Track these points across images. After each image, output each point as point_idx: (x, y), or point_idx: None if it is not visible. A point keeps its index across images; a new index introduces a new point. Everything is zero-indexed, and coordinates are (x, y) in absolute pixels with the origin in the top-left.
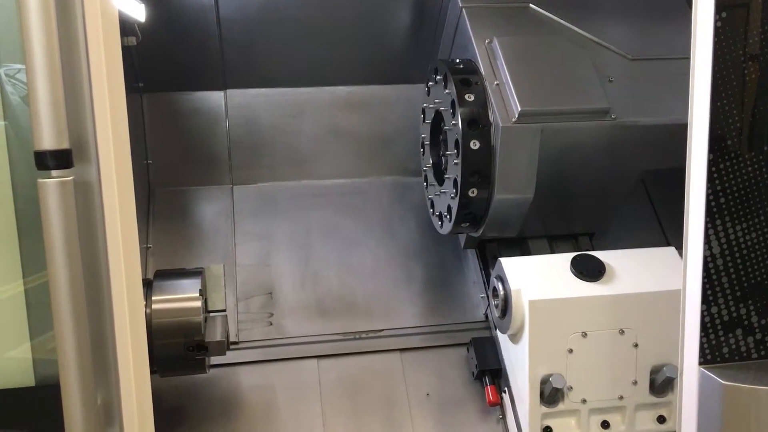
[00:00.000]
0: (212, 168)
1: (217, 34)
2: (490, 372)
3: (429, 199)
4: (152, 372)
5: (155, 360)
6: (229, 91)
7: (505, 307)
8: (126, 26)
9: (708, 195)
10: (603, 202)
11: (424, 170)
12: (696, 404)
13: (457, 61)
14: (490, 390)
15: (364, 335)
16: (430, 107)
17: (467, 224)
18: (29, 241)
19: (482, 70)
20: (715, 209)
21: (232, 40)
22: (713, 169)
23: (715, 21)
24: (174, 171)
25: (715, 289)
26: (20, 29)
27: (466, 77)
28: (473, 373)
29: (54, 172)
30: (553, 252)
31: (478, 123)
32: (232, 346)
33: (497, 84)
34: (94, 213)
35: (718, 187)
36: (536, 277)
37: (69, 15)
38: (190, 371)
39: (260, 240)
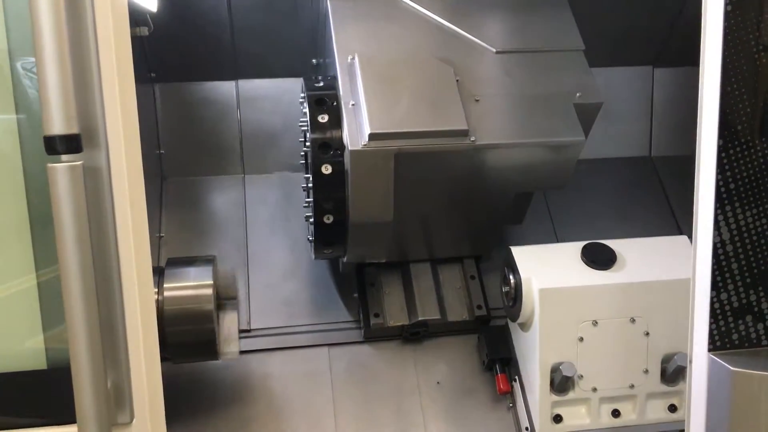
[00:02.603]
0: (224, 157)
1: (228, 23)
2: (500, 360)
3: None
4: (164, 359)
5: (167, 347)
6: (241, 81)
7: (515, 296)
8: (138, 16)
9: (717, 181)
10: (483, 225)
11: (304, 191)
12: (705, 391)
13: (319, 78)
14: (500, 378)
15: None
16: (301, 126)
17: (330, 251)
18: (42, 232)
19: (340, 89)
20: (724, 195)
21: (243, 30)
22: (723, 154)
23: (726, 4)
24: (186, 161)
25: (724, 275)
26: (30, 14)
27: (322, 97)
28: (484, 361)
29: (63, 157)
30: (437, 277)
31: (330, 147)
32: (244, 334)
33: (353, 104)
34: (103, 197)
35: (728, 173)
36: (546, 266)
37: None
38: (202, 358)
39: (272, 229)
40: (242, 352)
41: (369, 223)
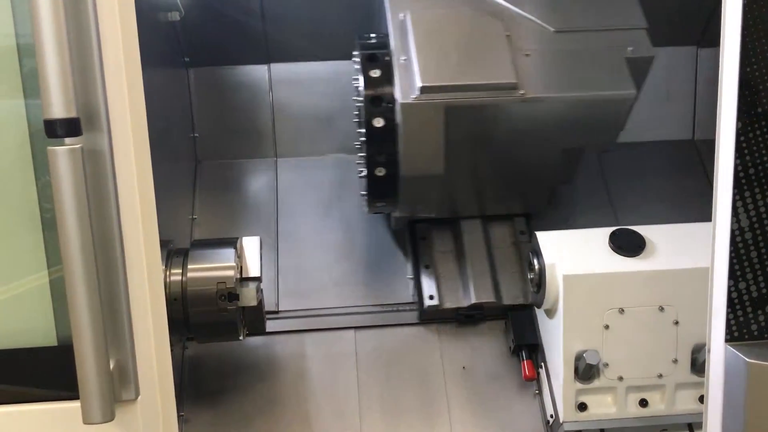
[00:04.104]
0: (257, 141)
1: (259, 7)
2: (527, 347)
3: (360, 178)
4: (189, 339)
5: (191, 327)
6: (273, 65)
7: (540, 282)
8: (169, 1)
9: (736, 165)
10: (532, 182)
11: (357, 148)
12: (722, 382)
13: (372, 36)
14: (526, 365)
15: (400, 308)
16: (353, 84)
17: (382, 204)
18: (52, 212)
19: (392, 45)
20: (743, 180)
21: (274, 13)
22: (742, 138)
23: None
24: (220, 144)
25: (743, 263)
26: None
27: (374, 53)
28: (510, 347)
29: (66, 140)
30: (486, 233)
31: (381, 100)
32: (271, 316)
33: (404, 59)
34: (105, 179)
35: (747, 158)
36: (572, 252)
37: None
38: (225, 338)
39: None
40: (269, 333)
41: (420, 176)
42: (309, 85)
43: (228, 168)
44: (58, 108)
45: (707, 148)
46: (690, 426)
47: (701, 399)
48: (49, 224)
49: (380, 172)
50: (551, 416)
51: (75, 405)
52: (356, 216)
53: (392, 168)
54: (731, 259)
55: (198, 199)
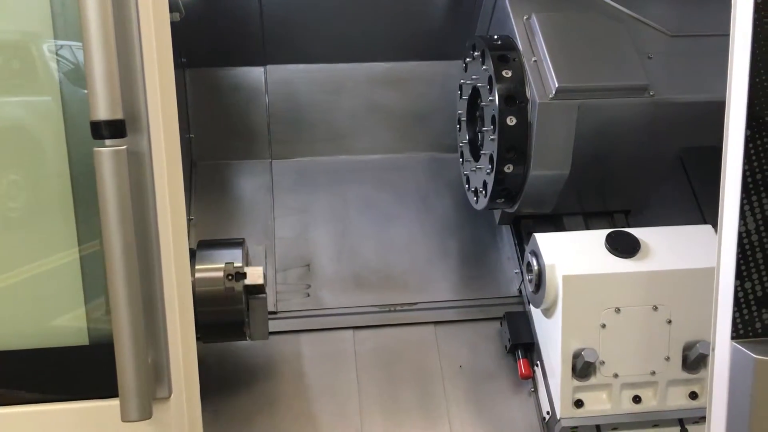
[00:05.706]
0: (252, 142)
1: (257, 9)
2: (522, 346)
3: (465, 175)
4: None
5: (198, 327)
6: (269, 67)
7: (539, 282)
8: (170, 1)
9: (744, 171)
10: (640, 179)
11: (460, 146)
12: (727, 378)
13: (495, 37)
14: (522, 363)
15: (399, 308)
16: (467, 83)
17: (502, 200)
18: (85, 210)
19: (520, 46)
20: (751, 185)
21: (272, 16)
22: (750, 145)
23: None
24: (215, 145)
25: (749, 264)
26: (78, 6)
27: (504, 53)
28: (506, 346)
29: (108, 141)
30: (588, 229)
31: (515, 99)
32: (270, 316)
33: (535, 60)
34: (145, 180)
35: (755, 164)
36: (570, 253)
37: None
38: (231, 338)
39: (299, 213)
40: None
41: (547, 174)
42: (306, 86)
43: (224, 169)
44: (105, 110)
45: (688, 154)
46: (681, 421)
47: (692, 395)
48: (83, 221)
49: (509, 169)
50: (547, 413)
51: (106, 404)
52: (356, 216)
53: (521, 165)
54: (738, 260)
55: (194, 199)
